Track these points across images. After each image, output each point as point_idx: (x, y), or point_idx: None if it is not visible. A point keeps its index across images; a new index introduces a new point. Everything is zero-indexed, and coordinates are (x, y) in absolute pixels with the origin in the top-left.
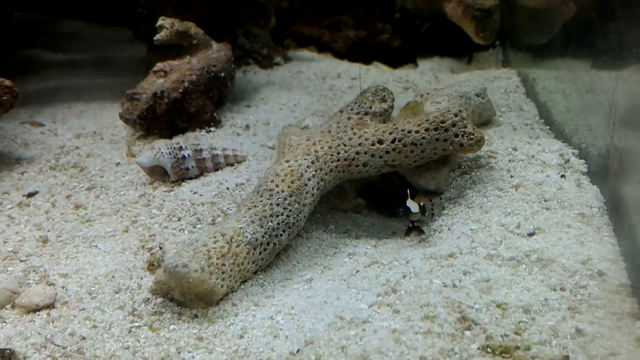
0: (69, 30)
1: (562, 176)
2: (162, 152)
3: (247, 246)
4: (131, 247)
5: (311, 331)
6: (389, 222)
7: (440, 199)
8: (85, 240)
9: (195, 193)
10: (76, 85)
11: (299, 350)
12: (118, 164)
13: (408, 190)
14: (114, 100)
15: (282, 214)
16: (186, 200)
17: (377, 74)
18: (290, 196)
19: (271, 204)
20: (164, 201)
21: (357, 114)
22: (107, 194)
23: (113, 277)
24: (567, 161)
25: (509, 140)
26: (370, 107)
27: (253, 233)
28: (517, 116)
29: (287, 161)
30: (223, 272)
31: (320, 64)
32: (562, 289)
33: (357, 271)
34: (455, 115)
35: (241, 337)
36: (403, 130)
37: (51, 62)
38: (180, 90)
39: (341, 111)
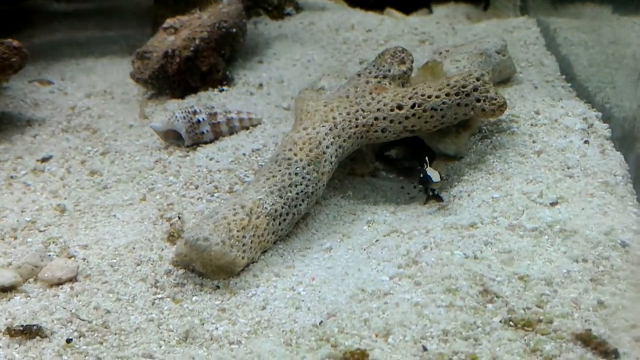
0: None
1: (586, 142)
2: (176, 117)
3: (267, 217)
4: (150, 217)
5: (333, 303)
6: (407, 185)
7: (460, 163)
8: (104, 209)
9: (211, 159)
10: (83, 38)
11: (321, 322)
12: (131, 126)
13: (427, 158)
14: (123, 55)
15: (300, 184)
16: (202, 166)
17: (391, 25)
18: (309, 165)
19: (290, 174)
20: (180, 167)
21: (376, 77)
22: (122, 159)
23: (134, 248)
24: (591, 125)
25: (530, 102)
26: (389, 70)
27: (272, 204)
28: (538, 72)
29: (304, 128)
30: (244, 245)
31: (333, 14)
32: (585, 261)
33: (377, 240)
34: (477, 80)
35: (263, 308)
36: (423, 95)
37: (56, 13)
38: (192, 49)
39: (359, 74)
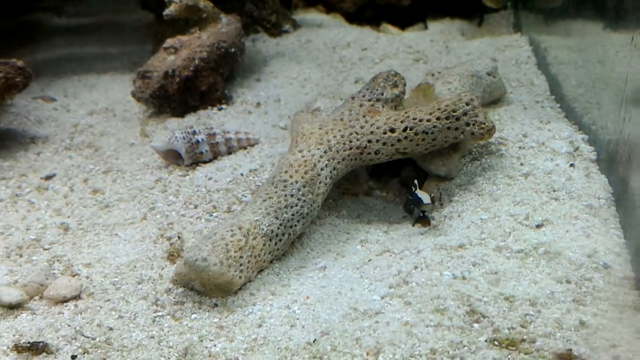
0: None
1: (572, 165)
2: (176, 137)
3: (264, 238)
4: (150, 236)
5: (327, 322)
6: (399, 205)
7: (451, 184)
8: (106, 227)
9: (210, 179)
10: (84, 54)
11: (315, 340)
12: (132, 144)
13: (416, 181)
14: (124, 72)
15: (296, 205)
16: (201, 186)
17: (386, 42)
18: (304, 187)
19: (285, 195)
20: (179, 187)
21: (369, 100)
22: (123, 177)
23: (135, 266)
24: (577, 149)
25: (519, 125)
26: (382, 94)
27: (269, 225)
28: (528, 92)
29: (300, 151)
30: (241, 265)
31: (330, 31)
32: (568, 282)
33: (370, 260)
34: (467, 104)
35: (260, 326)
36: (414, 119)
37: (57, 28)
38: (192, 69)
39: (353, 97)
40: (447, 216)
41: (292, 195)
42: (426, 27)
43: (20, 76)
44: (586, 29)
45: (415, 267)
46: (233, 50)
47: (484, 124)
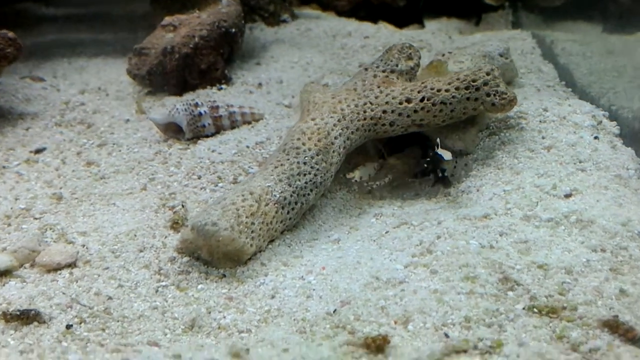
0: None
1: (596, 138)
2: (177, 109)
3: (276, 205)
4: (151, 205)
5: (346, 291)
6: (412, 183)
7: (468, 159)
8: (102, 197)
9: (213, 151)
10: (75, 40)
11: (335, 310)
12: (127, 120)
13: (438, 139)
14: (117, 56)
15: (309, 173)
16: (204, 158)
17: (387, 33)
18: (318, 155)
19: (298, 163)
20: (181, 159)
21: (383, 71)
22: (119, 150)
23: (135, 235)
24: (600, 122)
25: (537, 101)
26: (397, 65)
27: (281, 192)
28: (538, 78)
29: (313, 119)
30: (252, 231)
31: (329, 22)
32: (603, 250)
33: (387, 232)
34: (487, 74)
35: (272, 297)
36: (432, 89)
37: (46, 16)
38: (191, 46)
39: (366, 69)
40: (465, 191)
41: (304, 163)
42: (423, 26)
43: (11, 47)
44: (588, 28)
45: (438, 237)
46: (234, 30)
47: (506, 94)
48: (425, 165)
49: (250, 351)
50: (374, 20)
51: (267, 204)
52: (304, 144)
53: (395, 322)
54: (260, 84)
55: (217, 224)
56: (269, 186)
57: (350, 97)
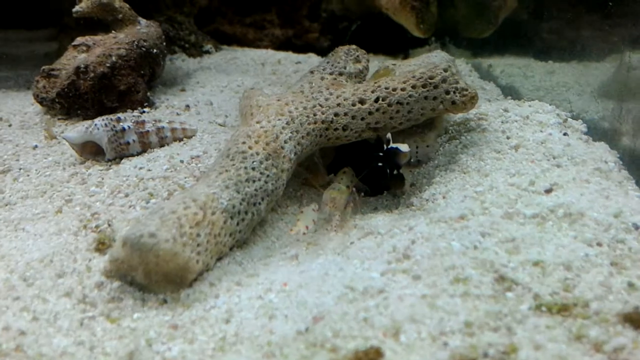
0: None
1: (565, 134)
2: (95, 125)
3: (224, 214)
4: (69, 228)
5: (317, 306)
6: (367, 199)
7: (427, 167)
8: (8, 223)
9: (141, 169)
10: None
11: (307, 328)
12: (35, 147)
13: (389, 135)
14: (19, 90)
15: (259, 179)
16: (131, 176)
17: (319, 59)
18: (267, 159)
19: (246, 168)
20: (102, 179)
21: (331, 74)
22: (27, 175)
23: (51, 261)
24: (565, 121)
25: (495, 104)
26: (345, 67)
27: (229, 199)
28: (484, 93)
29: (258, 122)
30: (198, 245)
31: (256, 52)
32: (599, 244)
33: (352, 242)
34: (445, 71)
35: (227, 321)
36: (387, 88)
37: None
38: (108, 65)
39: (312, 72)
40: (430, 199)
41: (253, 169)
42: None
43: None
44: (519, 55)
45: (413, 242)
46: (155, 51)
47: (466, 90)
48: (379, 163)
49: None
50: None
51: (213, 213)
52: (250, 147)
53: (384, 335)
54: (188, 106)
55: (155, 235)
56: (214, 193)
57: (298, 100)
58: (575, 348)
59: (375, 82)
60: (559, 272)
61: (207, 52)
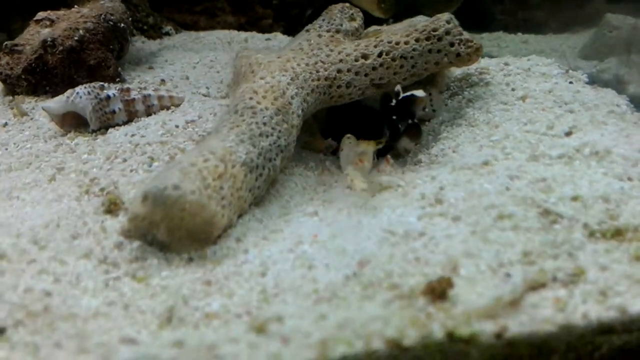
0: None
1: (571, 83)
2: (78, 93)
3: (243, 168)
4: (69, 194)
5: (359, 252)
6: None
7: (432, 124)
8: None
9: (133, 135)
10: None
11: (355, 273)
12: (5, 124)
13: (398, 86)
14: None
15: (271, 134)
16: (124, 142)
17: (286, 39)
18: (277, 115)
19: (257, 123)
20: (92, 147)
21: (328, 31)
22: (6, 149)
23: (58, 225)
24: (567, 71)
25: (494, 59)
26: (341, 25)
27: (247, 153)
28: None
29: (262, 78)
30: (222, 197)
31: (219, 32)
32: (630, 179)
33: (373, 196)
34: (448, 22)
35: (263, 274)
36: (390, 42)
37: None
38: (76, 38)
39: (307, 30)
40: (439, 154)
41: (264, 124)
42: None
43: None
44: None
45: (442, 188)
46: (122, 25)
47: (471, 41)
48: (393, 115)
49: (284, 320)
50: None
51: (233, 166)
52: (258, 102)
53: (443, 270)
54: (163, 80)
55: (179, 187)
56: (230, 146)
57: (299, 57)
58: (637, 267)
59: (377, 37)
60: (599, 204)
61: (167, 33)
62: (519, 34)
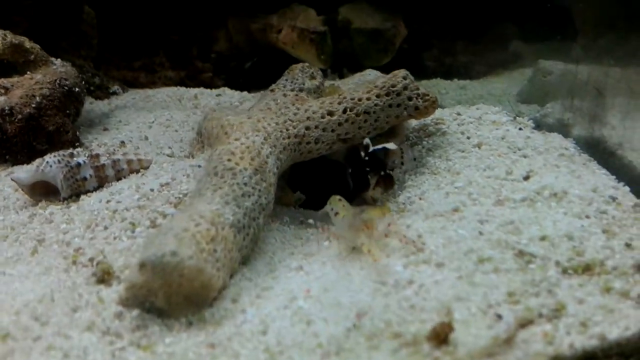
0: None
1: (521, 129)
2: (47, 162)
3: (232, 229)
4: (56, 266)
5: (354, 304)
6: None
7: (395, 173)
8: None
9: (108, 201)
10: None
11: (354, 324)
12: None
13: (367, 139)
14: None
15: (253, 194)
16: (100, 209)
17: (236, 93)
18: (255, 174)
19: (238, 184)
20: (69, 216)
21: (292, 90)
22: None
23: (52, 299)
24: (515, 118)
25: (447, 110)
26: (304, 84)
27: (233, 214)
28: None
29: (236, 139)
30: (217, 260)
31: (167, 90)
32: (587, 217)
33: (353, 248)
34: (404, 78)
35: (264, 333)
36: (353, 99)
37: None
38: (34, 105)
39: (272, 90)
40: (406, 202)
41: (245, 184)
42: None
43: None
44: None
45: (419, 236)
46: (77, 89)
47: (428, 95)
48: (367, 167)
49: None
50: None
51: (223, 228)
52: (237, 163)
53: (438, 316)
54: (123, 142)
55: (177, 253)
56: (217, 209)
57: (268, 116)
58: (610, 298)
59: (340, 95)
60: (564, 242)
61: (115, 93)
62: (455, 79)
